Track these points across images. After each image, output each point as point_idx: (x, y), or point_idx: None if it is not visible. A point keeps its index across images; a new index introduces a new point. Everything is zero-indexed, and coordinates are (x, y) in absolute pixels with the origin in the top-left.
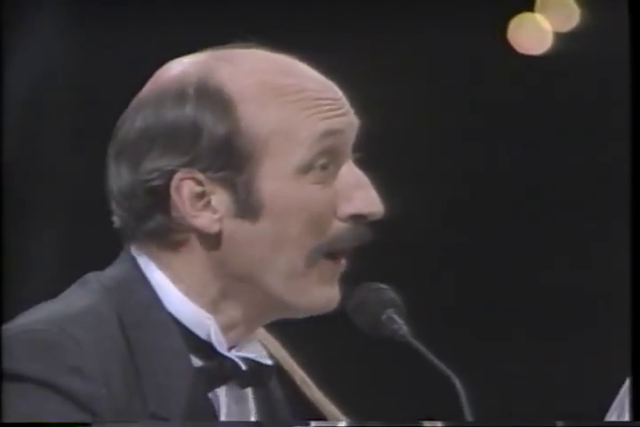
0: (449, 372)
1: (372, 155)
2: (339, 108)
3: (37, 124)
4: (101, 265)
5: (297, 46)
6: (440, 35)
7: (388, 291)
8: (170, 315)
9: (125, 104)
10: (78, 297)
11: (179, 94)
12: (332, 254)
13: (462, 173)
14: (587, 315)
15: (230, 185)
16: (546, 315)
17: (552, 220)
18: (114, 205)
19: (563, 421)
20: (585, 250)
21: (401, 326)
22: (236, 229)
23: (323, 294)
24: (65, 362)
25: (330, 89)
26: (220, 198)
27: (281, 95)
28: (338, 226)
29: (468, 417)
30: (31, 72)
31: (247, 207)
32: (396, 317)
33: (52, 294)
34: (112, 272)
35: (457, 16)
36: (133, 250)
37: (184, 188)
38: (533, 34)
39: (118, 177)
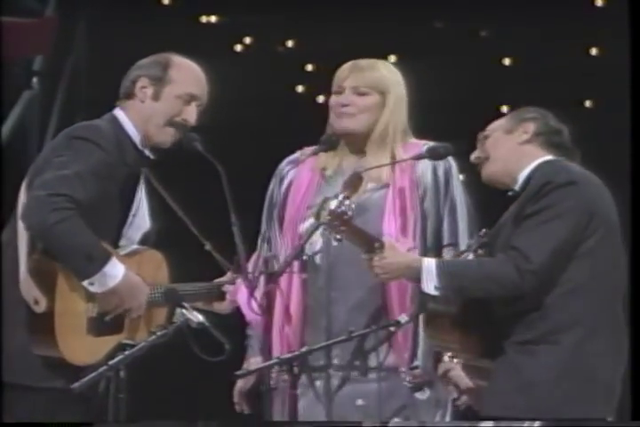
0: (219, 166)
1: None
2: (202, 87)
3: None
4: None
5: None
6: None
7: (195, 135)
8: (127, 133)
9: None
10: (98, 121)
11: (158, 62)
12: (172, 123)
13: None
14: None
15: (155, 88)
16: None
17: None
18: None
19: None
20: None
21: (201, 151)
22: (150, 101)
23: (173, 134)
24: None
25: (203, 79)
26: (150, 90)
27: (189, 74)
28: (181, 117)
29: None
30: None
31: (156, 96)
32: (198, 145)
33: None
34: (105, 116)
35: None
36: (115, 110)
37: (138, 82)
38: None
39: (125, 77)
